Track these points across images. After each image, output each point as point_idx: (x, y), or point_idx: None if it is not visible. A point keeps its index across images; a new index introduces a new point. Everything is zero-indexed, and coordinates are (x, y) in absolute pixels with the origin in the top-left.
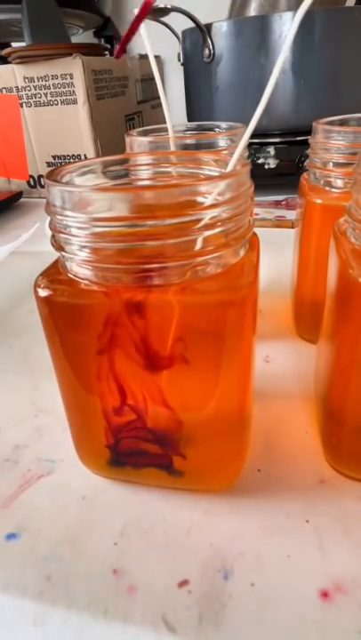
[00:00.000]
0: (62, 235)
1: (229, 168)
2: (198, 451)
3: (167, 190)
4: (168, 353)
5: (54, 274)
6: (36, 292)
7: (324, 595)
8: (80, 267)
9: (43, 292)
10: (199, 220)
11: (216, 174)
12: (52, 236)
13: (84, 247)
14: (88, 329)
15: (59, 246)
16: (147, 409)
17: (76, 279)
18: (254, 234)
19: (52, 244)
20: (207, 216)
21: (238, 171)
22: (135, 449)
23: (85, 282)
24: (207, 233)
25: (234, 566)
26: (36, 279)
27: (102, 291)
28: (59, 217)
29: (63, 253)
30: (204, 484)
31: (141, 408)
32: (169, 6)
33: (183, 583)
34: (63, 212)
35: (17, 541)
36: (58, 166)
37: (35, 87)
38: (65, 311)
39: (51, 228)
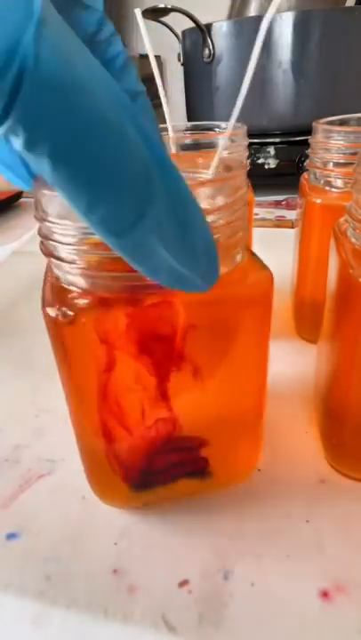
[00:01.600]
0: (52, 242)
1: (211, 172)
2: (222, 450)
3: None
4: (175, 357)
5: (61, 292)
6: (44, 310)
7: (325, 595)
8: (74, 276)
9: (53, 312)
10: None
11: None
12: (41, 242)
13: (76, 256)
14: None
15: (48, 252)
16: (158, 418)
17: (72, 292)
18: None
19: (41, 250)
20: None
21: (229, 176)
22: (166, 463)
23: (79, 292)
24: None
25: (234, 566)
26: (42, 297)
27: (101, 304)
28: (48, 224)
29: (53, 260)
30: (228, 480)
31: (156, 419)
32: (169, 6)
33: (183, 583)
34: (53, 218)
35: (17, 541)
36: None
37: None
38: (72, 330)
39: (40, 235)
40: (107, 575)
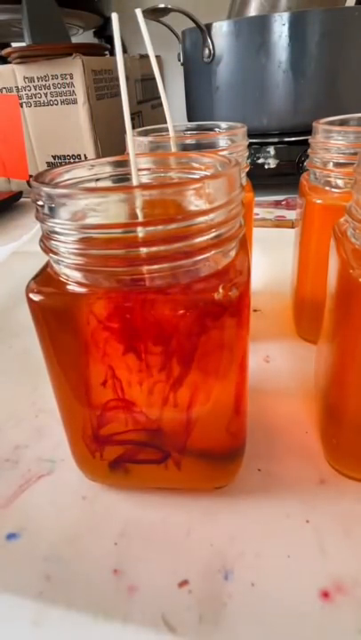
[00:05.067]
0: (52, 241)
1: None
2: (195, 446)
3: (156, 192)
4: (163, 353)
5: (47, 277)
6: (28, 296)
7: (325, 595)
8: (71, 269)
9: (35, 297)
10: (190, 225)
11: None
12: (41, 240)
13: (73, 252)
14: (82, 333)
15: (48, 249)
16: (145, 408)
17: (67, 282)
18: (245, 233)
19: (41, 247)
20: (198, 221)
21: (226, 172)
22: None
23: (76, 284)
24: (198, 240)
25: (234, 566)
26: (28, 283)
27: (94, 294)
28: (49, 223)
29: (52, 256)
30: (201, 482)
31: (138, 408)
32: (169, 6)
33: (183, 583)
34: (52, 218)
35: (17, 541)
36: (48, 168)
37: (35, 87)
38: (57, 315)
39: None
40: (107, 575)
